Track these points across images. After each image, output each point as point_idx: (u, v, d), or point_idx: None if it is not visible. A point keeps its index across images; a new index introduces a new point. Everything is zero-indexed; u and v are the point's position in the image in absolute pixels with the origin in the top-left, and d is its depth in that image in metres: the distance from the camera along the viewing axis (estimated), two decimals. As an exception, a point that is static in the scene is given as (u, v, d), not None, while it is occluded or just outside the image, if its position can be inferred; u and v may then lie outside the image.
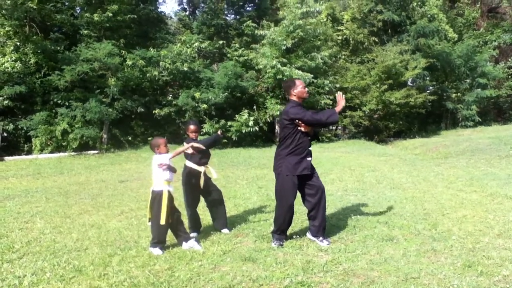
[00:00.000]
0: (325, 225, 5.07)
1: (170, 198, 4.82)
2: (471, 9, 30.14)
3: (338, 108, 4.86)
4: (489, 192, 7.80)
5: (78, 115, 16.47)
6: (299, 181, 4.97)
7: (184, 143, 5.32)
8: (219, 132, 5.66)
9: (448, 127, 24.76)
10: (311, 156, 5.01)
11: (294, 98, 4.98)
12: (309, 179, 5.00)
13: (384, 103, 21.14)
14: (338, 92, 5.06)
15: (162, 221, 4.71)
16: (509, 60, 26.56)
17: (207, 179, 5.50)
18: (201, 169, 5.40)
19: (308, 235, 5.16)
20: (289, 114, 4.85)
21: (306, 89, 5.06)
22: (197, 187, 5.43)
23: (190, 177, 5.42)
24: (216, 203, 5.59)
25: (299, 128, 4.85)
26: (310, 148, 4.99)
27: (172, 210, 4.87)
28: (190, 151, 5.23)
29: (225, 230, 5.52)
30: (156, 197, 4.77)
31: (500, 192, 7.70)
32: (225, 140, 18.37)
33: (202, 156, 5.45)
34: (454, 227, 5.55)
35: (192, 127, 5.44)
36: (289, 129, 4.89)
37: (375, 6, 23.79)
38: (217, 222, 5.60)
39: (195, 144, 5.21)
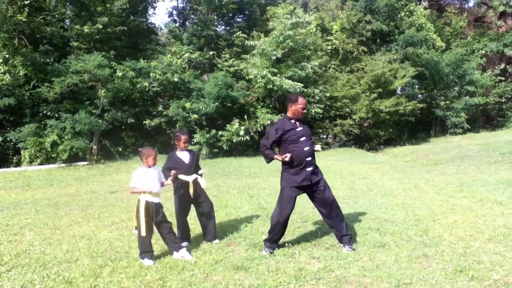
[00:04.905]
0: (344, 234, 5.05)
1: (149, 209, 4.78)
2: (458, 18, 30.57)
3: (276, 157, 4.98)
4: (479, 197, 7.85)
5: (67, 127, 16.38)
6: (308, 193, 5.07)
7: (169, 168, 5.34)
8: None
9: (438, 134, 24.94)
10: (312, 166, 5.04)
11: (289, 113, 5.12)
12: (316, 190, 5.05)
13: (374, 111, 21.26)
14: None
15: (142, 232, 4.71)
16: (496, 68, 26.91)
17: (199, 189, 5.48)
18: (190, 178, 5.38)
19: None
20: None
21: (305, 110, 5.14)
22: (187, 197, 5.43)
23: (180, 187, 5.42)
24: (206, 214, 5.56)
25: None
26: (309, 159, 5.02)
27: (159, 221, 4.85)
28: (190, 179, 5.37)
29: (215, 241, 5.50)
30: (137, 206, 4.81)
31: (489, 198, 7.76)
32: (216, 150, 18.35)
33: (191, 169, 5.48)
34: (445, 232, 5.58)
35: (183, 137, 5.43)
36: (283, 142, 5.02)
37: (364, 16, 24.03)
38: (206, 235, 5.56)
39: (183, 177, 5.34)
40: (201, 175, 5.52)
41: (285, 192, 5.01)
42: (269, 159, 5.09)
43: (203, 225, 5.61)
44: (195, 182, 5.43)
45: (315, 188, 5.04)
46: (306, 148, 5.00)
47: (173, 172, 5.24)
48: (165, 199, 5.26)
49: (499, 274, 4.13)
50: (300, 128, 5.05)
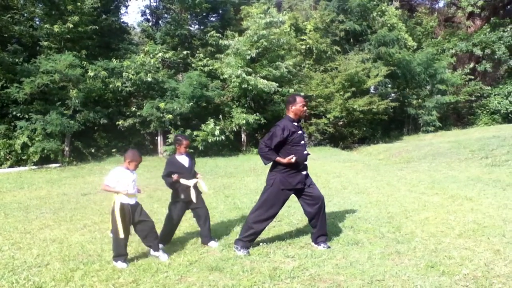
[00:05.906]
0: (324, 232, 5.10)
1: (124, 210, 4.66)
2: (428, 18, 31.21)
3: (279, 159, 4.89)
4: (450, 194, 8.03)
5: (38, 128, 15.98)
6: (297, 191, 5.07)
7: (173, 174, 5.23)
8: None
9: (410, 132, 25.39)
10: (306, 170, 5.10)
11: (290, 114, 5.07)
12: (306, 189, 5.07)
13: (348, 110, 21.49)
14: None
15: (120, 234, 4.60)
16: (466, 67, 27.57)
17: (197, 194, 5.34)
18: (191, 182, 5.25)
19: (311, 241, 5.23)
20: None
21: (305, 108, 5.10)
22: (187, 202, 5.29)
23: (181, 192, 5.26)
24: (202, 218, 5.38)
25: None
26: (306, 162, 5.09)
27: (139, 220, 4.76)
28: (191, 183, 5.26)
29: (211, 244, 5.32)
30: (112, 208, 4.70)
31: (460, 194, 7.94)
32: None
33: (191, 172, 5.37)
34: (417, 229, 5.67)
35: (185, 142, 5.34)
36: (287, 143, 4.94)
37: (337, 16, 24.23)
38: (204, 238, 5.39)
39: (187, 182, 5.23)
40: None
41: (277, 194, 4.95)
42: (268, 161, 4.94)
43: (200, 228, 5.46)
44: (195, 186, 5.33)
45: (305, 187, 5.06)
46: (305, 152, 5.06)
47: (175, 176, 5.15)
48: (140, 200, 5.16)
49: (468, 268, 4.23)
50: (300, 131, 5.05)
